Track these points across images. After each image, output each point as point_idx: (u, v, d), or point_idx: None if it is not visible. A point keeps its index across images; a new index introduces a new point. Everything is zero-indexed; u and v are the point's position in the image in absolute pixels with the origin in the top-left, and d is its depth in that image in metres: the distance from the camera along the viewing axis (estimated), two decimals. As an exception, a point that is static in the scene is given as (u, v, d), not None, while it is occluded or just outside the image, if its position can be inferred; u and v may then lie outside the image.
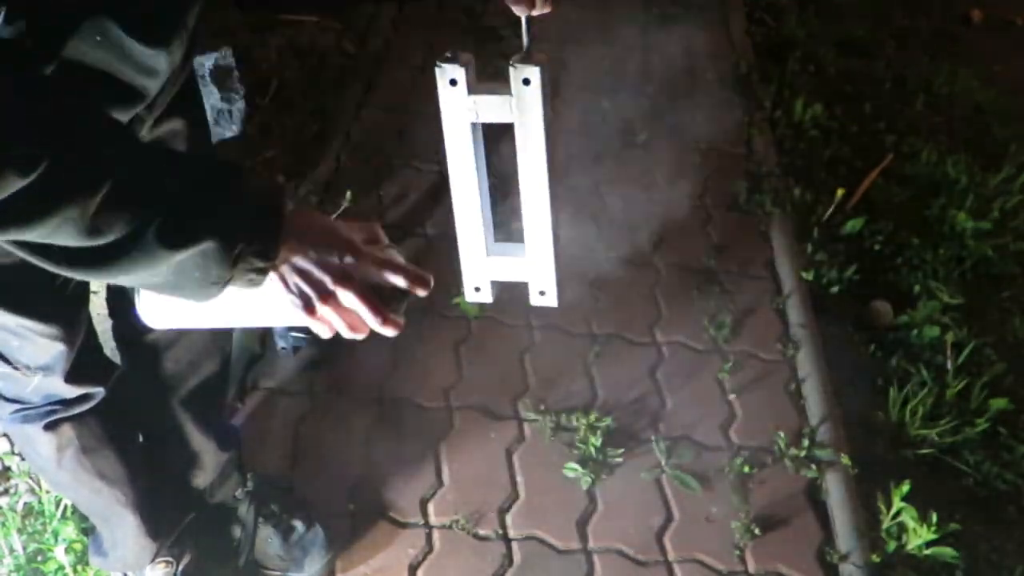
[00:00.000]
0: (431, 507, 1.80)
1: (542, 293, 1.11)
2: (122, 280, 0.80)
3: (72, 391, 1.25)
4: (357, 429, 1.78)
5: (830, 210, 2.49)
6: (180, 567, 1.55)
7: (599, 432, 1.90)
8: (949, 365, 2.14)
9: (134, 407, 1.42)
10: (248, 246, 0.79)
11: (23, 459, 1.87)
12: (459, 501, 1.81)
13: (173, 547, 1.54)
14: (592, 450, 1.88)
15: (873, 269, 2.42)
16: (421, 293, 0.91)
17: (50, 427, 1.28)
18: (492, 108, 0.98)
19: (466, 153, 1.01)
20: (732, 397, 2.05)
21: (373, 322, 0.88)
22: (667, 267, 2.35)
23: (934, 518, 1.75)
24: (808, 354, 2.12)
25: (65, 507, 1.70)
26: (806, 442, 1.93)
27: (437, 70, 0.96)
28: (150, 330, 1.24)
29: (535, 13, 1.04)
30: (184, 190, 0.77)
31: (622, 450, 1.90)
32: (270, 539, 1.65)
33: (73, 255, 0.75)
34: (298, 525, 1.67)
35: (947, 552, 1.75)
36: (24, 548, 1.64)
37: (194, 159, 0.85)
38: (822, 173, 2.70)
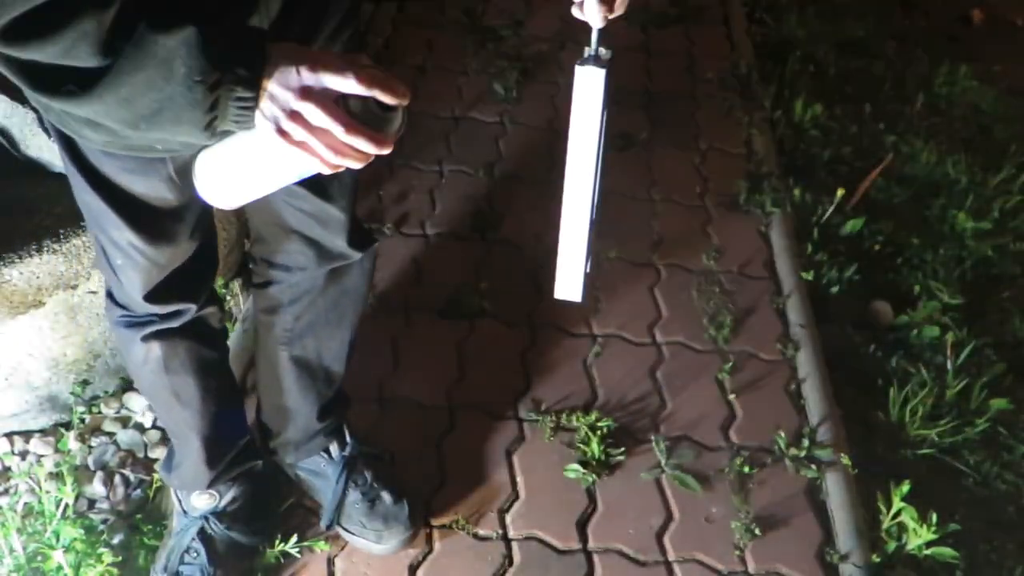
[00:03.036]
0: (431, 507, 1.79)
1: (567, 288, 1.16)
2: (121, 97, 0.83)
3: (160, 309, 1.35)
4: (357, 429, 1.78)
5: (830, 210, 2.49)
6: (223, 502, 1.62)
7: (599, 432, 1.91)
8: (949, 365, 2.14)
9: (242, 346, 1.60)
10: (226, 62, 0.83)
11: (23, 459, 1.88)
12: (459, 501, 1.81)
13: (227, 483, 1.62)
14: (592, 450, 1.88)
15: (873, 269, 2.42)
16: (390, 100, 0.89)
17: (145, 339, 1.38)
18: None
19: (590, 150, 1.05)
20: (732, 397, 2.05)
21: (344, 136, 0.88)
22: (667, 267, 2.35)
23: (934, 518, 1.75)
24: (808, 354, 2.12)
25: (65, 507, 1.70)
26: (806, 442, 1.93)
27: (578, 70, 0.99)
28: (281, 280, 1.47)
29: (610, 16, 1.05)
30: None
31: (622, 450, 1.90)
32: (356, 504, 1.70)
33: (85, 79, 0.79)
34: (386, 497, 1.70)
35: (947, 552, 1.75)
36: (24, 548, 1.64)
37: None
38: (822, 173, 2.70)
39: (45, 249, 1.73)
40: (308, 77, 0.86)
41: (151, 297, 1.31)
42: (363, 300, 1.60)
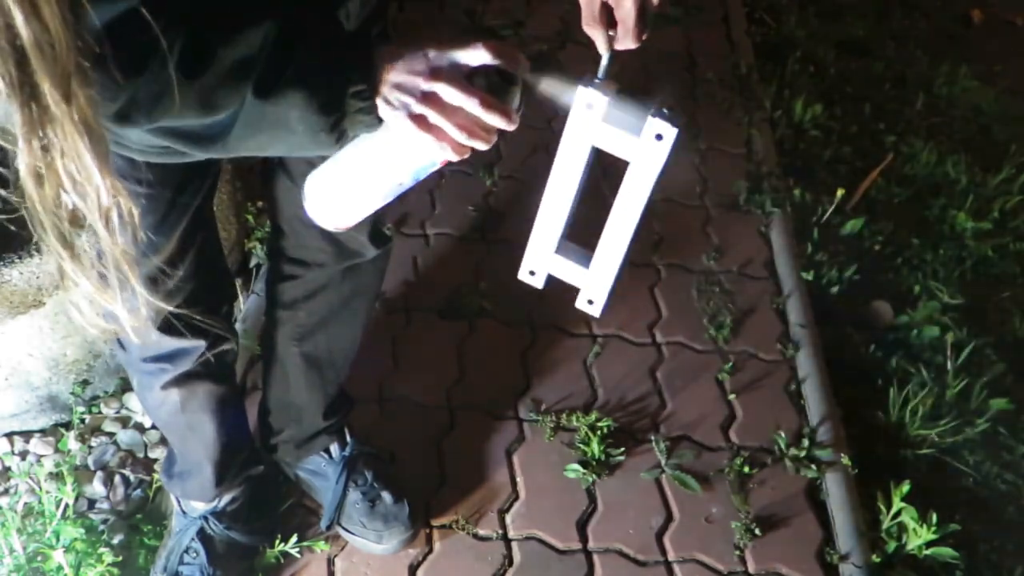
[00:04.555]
0: (431, 507, 1.79)
1: (590, 302, 1.20)
2: (255, 148, 0.91)
3: (169, 343, 1.34)
4: (357, 429, 1.78)
5: (830, 210, 2.49)
6: (222, 502, 1.63)
7: (599, 432, 1.91)
8: (949, 365, 2.14)
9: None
10: (339, 92, 0.86)
11: (23, 459, 1.88)
12: (459, 501, 1.81)
13: (227, 487, 1.63)
14: (592, 450, 1.88)
15: (873, 269, 2.42)
16: (516, 68, 0.89)
17: (165, 387, 1.40)
18: (616, 142, 1.00)
19: (575, 168, 1.04)
20: (732, 397, 2.05)
21: (479, 111, 0.87)
22: (667, 267, 2.35)
23: (934, 518, 1.75)
24: (808, 354, 2.12)
25: (66, 507, 1.70)
26: (806, 442, 1.93)
27: (579, 90, 0.98)
28: (297, 276, 1.46)
29: (619, 48, 1.04)
30: (277, 50, 0.83)
31: (622, 450, 1.90)
32: (356, 504, 1.70)
33: (203, 134, 0.87)
34: (386, 497, 1.70)
35: (947, 552, 1.75)
36: (24, 548, 1.64)
37: (294, 22, 0.88)
38: (822, 173, 2.70)
39: (45, 249, 1.73)
40: (436, 57, 0.86)
41: (164, 328, 1.30)
42: (375, 298, 1.61)
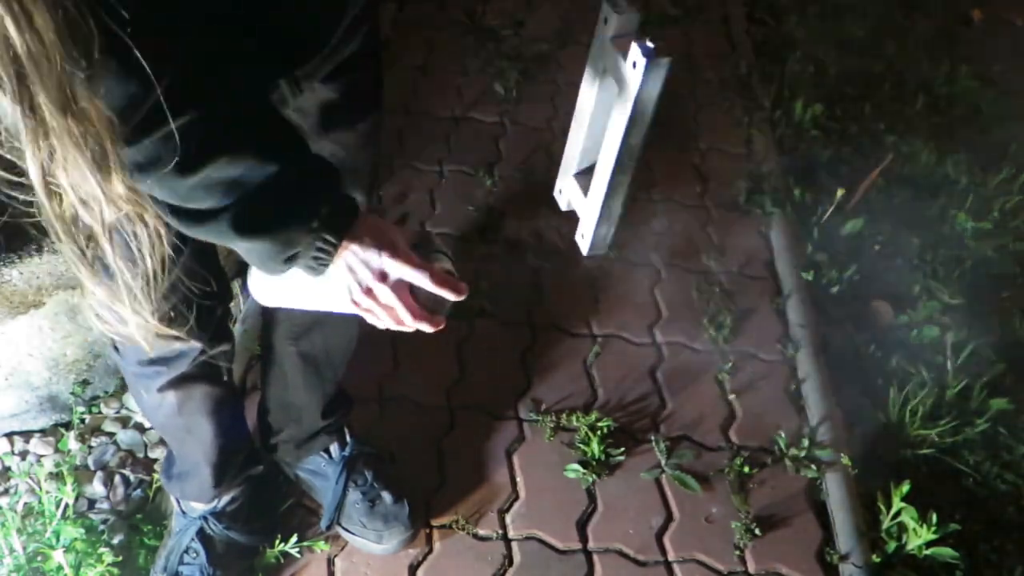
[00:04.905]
0: (431, 507, 1.79)
1: (582, 236, 1.31)
2: (210, 240, 0.95)
3: (165, 346, 1.33)
4: (357, 429, 1.78)
5: (830, 210, 2.49)
6: (222, 502, 1.63)
7: (599, 432, 1.91)
8: (949, 365, 2.14)
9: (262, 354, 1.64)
10: (307, 247, 0.94)
11: (23, 459, 1.88)
12: (459, 501, 1.81)
13: (227, 487, 1.63)
14: (592, 450, 1.88)
15: (873, 269, 2.42)
16: (453, 297, 1.01)
17: (161, 389, 1.40)
18: (616, 66, 1.06)
19: (590, 91, 1.13)
20: (732, 397, 2.05)
21: (407, 319, 1.01)
22: (667, 267, 2.35)
23: (934, 518, 1.75)
24: (808, 354, 2.12)
25: (66, 507, 1.70)
26: (806, 442, 1.94)
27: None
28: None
29: None
30: (267, 185, 0.89)
31: (622, 450, 1.90)
32: (356, 504, 1.70)
33: (173, 209, 0.90)
34: (386, 496, 1.71)
35: (947, 552, 1.75)
36: (24, 548, 1.64)
37: (292, 152, 0.95)
38: (822, 173, 2.70)
39: (45, 249, 1.73)
40: (388, 264, 0.97)
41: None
42: None
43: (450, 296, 1.01)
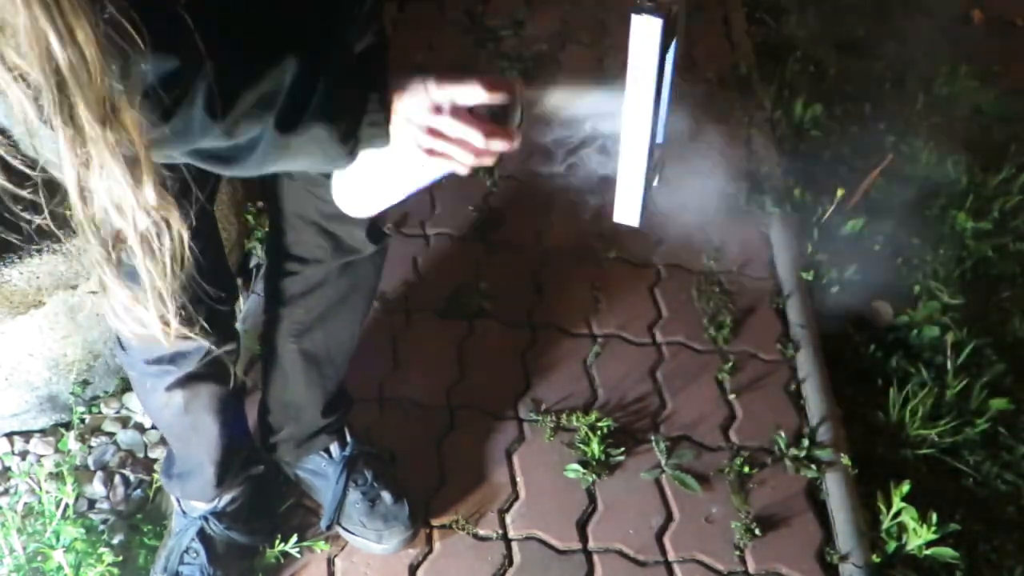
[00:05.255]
0: (431, 507, 1.79)
1: (626, 213, 1.19)
2: (274, 167, 0.97)
3: (172, 344, 1.33)
4: (357, 429, 1.78)
5: (830, 210, 2.49)
6: (222, 502, 1.63)
7: (599, 432, 1.91)
8: (949, 365, 2.14)
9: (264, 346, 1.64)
10: (356, 122, 0.93)
11: (23, 459, 1.88)
12: (459, 501, 1.81)
13: (227, 487, 1.63)
14: (592, 450, 1.88)
15: (873, 269, 2.41)
16: (508, 98, 0.96)
17: (169, 389, 1.40)
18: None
19: (650, 92, 1.04)
20: (732, 397, 2.05)
21: (480, 141, 0.95)
22: (667, 267, 2.35)
23: (934, 518, 1.75)
24: (808, 354, 2.12)
25: (66, 507, 1.70)
26: (806, 442, 1.93)
27: (654, 21, 0.98)
28: (295, 272, 1.48)
29: None
30: (298, 88, 0.89)
31: (622, 450, 1.90)
32: (356, 504, 1.70)
33: (225, 155, 0.92)
34: (386, 496, 1.70)
35: (947, 552, 1.75)
36: (24, 548, 1.64)
37: (311, 57, 0.95)
38: (822, 173, 2.70)
39: (45, 249, 1.73)
40: (437, 93, 0.94)
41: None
42: (373, 294, 1.61)
43: (509, 96, 0.95)
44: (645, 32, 0.97)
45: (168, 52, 0.81)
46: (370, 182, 1.06)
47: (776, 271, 2.36)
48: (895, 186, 2.67)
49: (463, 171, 1.00)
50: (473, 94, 0.94)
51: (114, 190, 0.79)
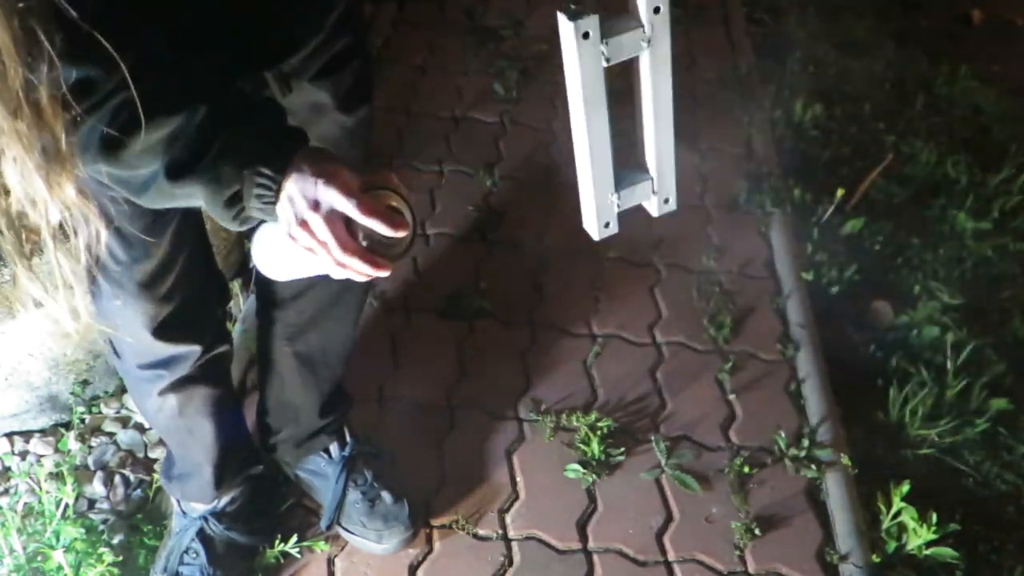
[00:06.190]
0: (431, 507, 1.79)
1: (666, 201, 1.19)
2: (173, 206, 0.97)
3: (165, 349, 1.35)
4: (357, 429, 1.78)
5: (830, 210, 2.49)
6: (222, 502, 1.63)
7: (599, 432, 1.90)
8: (949, 365, 2.14)
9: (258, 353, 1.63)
10: (240, 196, 0.91)
11: (23, 459, 1.88)
12: (459, 501, 1.81)
13: (227, 488, 1.63)
14: (592, 450, 1.88)
15: (873, 269, 2.41)
16: (384, 231, 0.93)
17: (162, 393, 1.40)
18: (623, 47, 1.00)
19: (598, 101, 1.03)
20: (732, 397, 2.05)
21: (338, 254, 0.93)
22: (667, 267, 2.35)
23: (934, 518, 1.75)
24: (808, 354, 2.12)
25: (66, 507, 1.70)
26: (806, 442, 1.93)
27: (568, 25, 0.96)
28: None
29: None
30: (202, 129, 0.89)
31: (622, 450, 1.90)
32: (356, 504, 1.70)
33: (126, 182, 0.92)
34: (386, 496, 1.70)
35: (947, 552, 1.75)
36: (24, 548, 1.64)
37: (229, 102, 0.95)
38: (822, 173, 2.70)
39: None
40: (322, 191, 0.91)
41: (159, 333, 1.31)
42: (366, 294, 1.61)
43: (382, 229, 0.92)
44: (568, 35, 0.96)
45: (84, 60, 0.80)
46: (278, 251, 1.03)
47: (776, 271, 2.36)
48: (895, 186, 2.68)
49: (334, 275, 0.97)
50: (348, 209, 0.91)
51: (27, 184, 0.78)
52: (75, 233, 0.85)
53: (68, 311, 0.91)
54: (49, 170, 0.78)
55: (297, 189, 0.91)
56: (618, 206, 1.17)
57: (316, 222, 0.91)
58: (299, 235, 0.93)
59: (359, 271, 0.95)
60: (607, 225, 1.18)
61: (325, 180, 0.90)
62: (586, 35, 0.96)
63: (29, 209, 0.80)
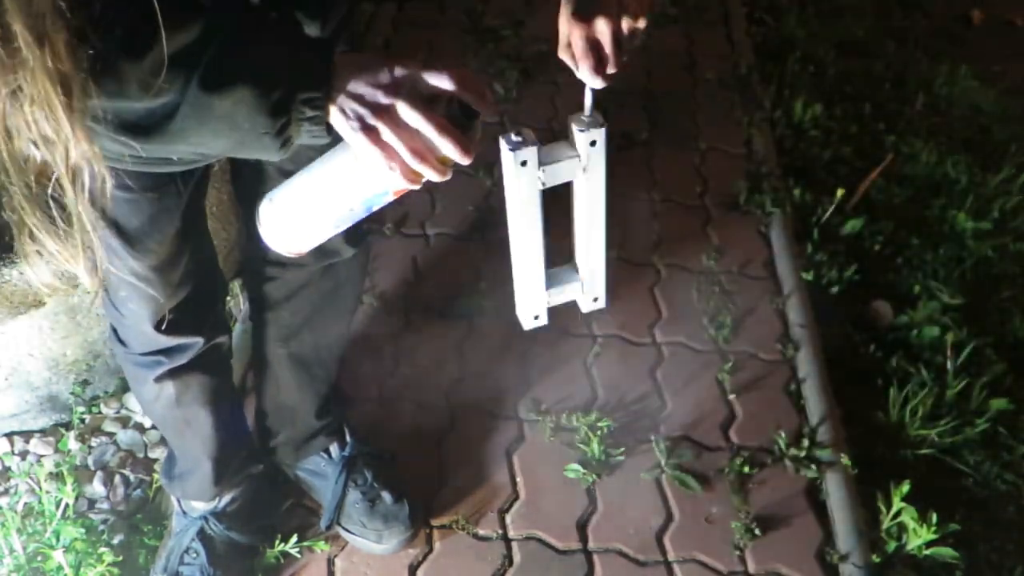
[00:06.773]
0: (431, 507, 1.79)
1: (595, 299, 1.34)
2: (196, 141, 0.85)
3: (168, 341, 1.35)
4: (357, 429, 1.78)
5: (830, 210, 2.49)
6: (222, 502, 1.63)
7: (599, 432, 1.91)
8: (949, 365, 2.14)
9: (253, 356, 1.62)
10: (291, 95, 0.81)
11: (23, 459, 1.88)
12: (459, 501, 1.81)
13: (227, 487, 1.63)
14: (592, 450, 1.88)
15: (873, 269, 2.42)
16: (479, 104, 0.85)
17: (159, 379, 1.40)
18: (559, 173, 1.09)
19: (533, 216, 1.15)
20: (732, 397, 2.05)
21: (434, 136, 0.83)
22: (667, 267, 2.35)
23: (934, 518, 1.75)
24: (808, 354, 2.12)
25: (66, 507, 1.70)
26: (806, 442, 1.93)
27: (509, 155, 1.03)
28: (276, 276, 1.47)
29: (599, 86, 1.02)
30: (229, 44, 0.80)
31: (622, 450, 1.90)
32: (356, 504, 1.70)
33: (145, 124, 0.82)
34: (386, 496, 1.70)
35: (947, 552, 1.75)
36: (24, 548, 1.64)
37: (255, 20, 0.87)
38: (822, 173, 2.70)
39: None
40: (400, 73, 0.83)
41: (161, 327, 1.31)
42: (357, 292, 1.61)
43: (476, 102, 0.85)
44: (509, 163, 1.03)
45: None
46: (299, 210, 0.98)
47: (776, 271, 2.36)
48: (895, 186, 2.68)
49: (404, 182, 0.88)
50: (441, 80, 0.83)
51: (43, 122, 0.72)
52: (86, 175, 0.78)
53: (85, 267, 0.84)
54: (69, 103, 0.72)
55: (360, 78, 0.82)
56: (549, 302, 1.31)
57: (402, 106, 0.82)
58: (380, 127, 0.82)
59: (444, 160, 0.86)
60: (536, 317, 1.33)
61: (400, 63, 0.83)
62: (524, 163, 1.04)
63: (44, 150, 0.74)
